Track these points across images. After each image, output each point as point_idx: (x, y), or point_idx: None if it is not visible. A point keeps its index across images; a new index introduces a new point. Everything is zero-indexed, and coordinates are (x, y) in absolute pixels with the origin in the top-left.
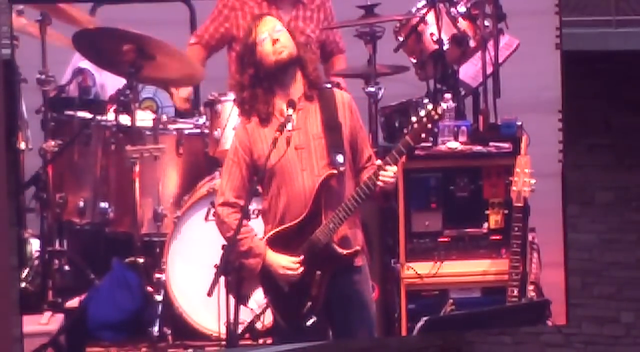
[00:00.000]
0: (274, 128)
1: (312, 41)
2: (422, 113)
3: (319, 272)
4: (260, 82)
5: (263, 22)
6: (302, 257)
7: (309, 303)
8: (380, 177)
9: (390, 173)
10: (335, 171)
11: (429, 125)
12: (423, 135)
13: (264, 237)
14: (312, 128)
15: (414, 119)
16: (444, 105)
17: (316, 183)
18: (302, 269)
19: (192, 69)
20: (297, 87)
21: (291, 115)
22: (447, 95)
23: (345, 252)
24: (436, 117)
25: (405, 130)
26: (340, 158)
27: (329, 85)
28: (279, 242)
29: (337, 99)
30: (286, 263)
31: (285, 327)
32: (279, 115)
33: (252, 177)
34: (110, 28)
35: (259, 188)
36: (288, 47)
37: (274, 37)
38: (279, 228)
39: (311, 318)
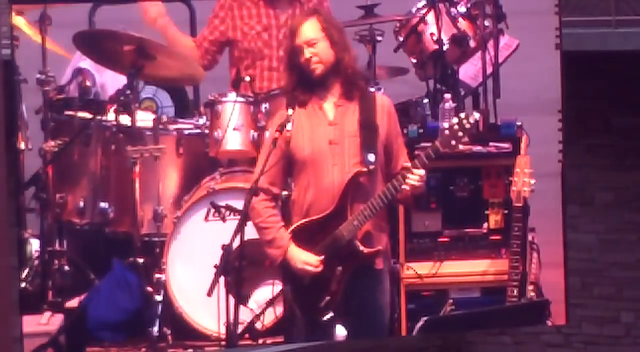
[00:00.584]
0: (310, 122)
1: None
2: (455, 120)
3: (339, 268)
4: (300, 82)
5: (300, 31)
6: (323, 256)
7: (327, 298)
8: (407, 180)
9: (417, 177)
10: (364, 169)
11: (460, 133)
12: (453, 142)
13: (289, 228)
14: (348, 126)
15: (445, 125)
16: (476, 115)
17: (345, 179)
18: (321, 267)
19: (193, 68)
20: (336, 88)
21: (291, 115)
22: (447, 95)
23: (366, 250)
24: (468, 125)
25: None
26: (371, 157)
27: (372, 89)
28: (303, 234)
29: (377, 102)
30: (307, 258)
31: (301, 319)
32: (318, 109)
33: (286, 166)
34: (110, 30)
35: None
36: (323, 61)
37: (310, 51)
38: (305, 220)
39: (328, 313)
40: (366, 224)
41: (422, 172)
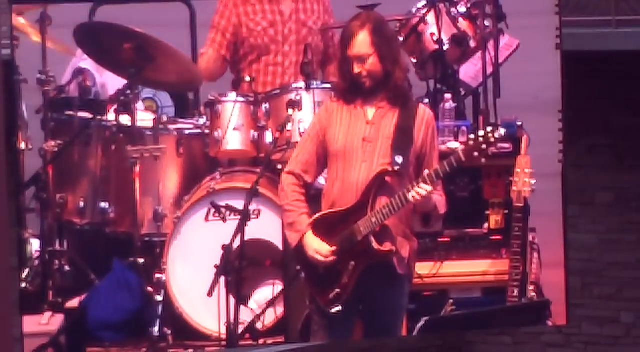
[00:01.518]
0: (350, 117)
1: (315, 33)
2: (481, 133)
3: (352, 263)
4: (350, 88)
5: (352, 44)
6: (334, 248)
7: (337, 290)
8: (411, 193)
9: (422, 191)
10: (389, 169)
11: (484, 146)
12: (476, 154)
13: (311, 218)
14: (384, 128)
15: (472, 136)
16: (502, 131)
17: (371, 176)
18: (332, 258)
19: (191, 73)
20: (383, 94)
21: (291, 115)
22: (447, 96)
23: (378, 247)
24: (492, 139)
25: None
26: (399, 159)
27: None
28: (323, 226)
29: (418, 112)
30: (319, 247)
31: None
32: (360, 108)
33: (322, 157)
34: (111, 24)
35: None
36: (372, 76)
37: (359, 67)
38: (327, 212)
39: (336, 306)
40: (389, 225)
41: (428, 188)
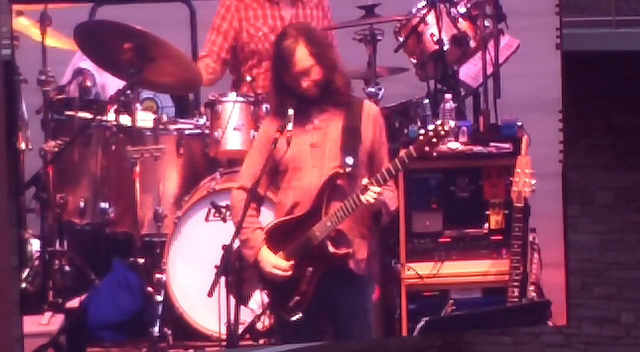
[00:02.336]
0: (296, 126)
1: None
2: (430, 127)
3: (310, 269)
4: (291, 100)
5: (294, 62)
6: (292, 261)
7: (297, 298)
8: (364, 196)
9: (373, 194)
10: (341, 171)
11: (434, 140)
12: (427, 148)
13: (264, 228)
14: (331, 131)
15: (421, 131)
16: (451, 123)
17: (322, 181)
18: (290, 272)
19: (191, 75)
20: (325, 99)
21: (291, 115)
22: (448, 96)
23: (334, 251)
24: (443, 132)
25: (405, 131)
26: (349, 160)
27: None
28: (278, 234)
29: (363, 109)
30: (276, 262)
31: (280, 322)
32: (304, 114)
33: (271, 168)
34: (112, 22)
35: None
36: (317, 85)
37: (305, 81)
38: (279, 220)
39: (297, 314)
40: (343, 228)
41: (377, 189)
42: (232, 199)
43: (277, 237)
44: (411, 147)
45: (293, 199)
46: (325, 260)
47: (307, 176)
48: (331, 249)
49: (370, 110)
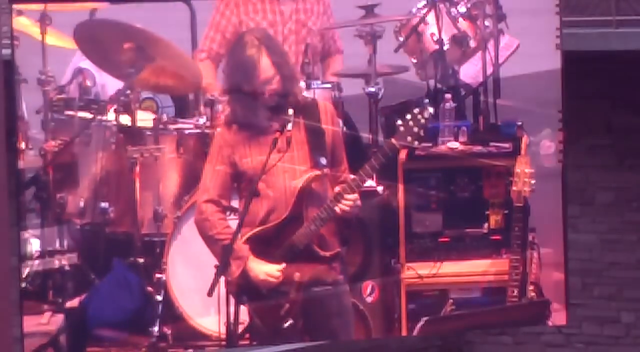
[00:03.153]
0: (257, 132)
1: (314, 34)
2: (408, 116)
3: (297, 274)
4: (245, 102)
5: (259, 71)
6: (283, 265)
7: (287, 305)
8: (339, 206)
9: (349, 202)
10: (318, 172)
11: (416, 129)
12: (409, 138)
13: (241, 238)
14: (296, 135)
15: (399, 122)
16: (430, 109)
17: (297, 185)
18: (282, 277)
19: (191, 77)
20: (284, 105)
21: (291, 115)
22: (447, 96)
23: (323, 253)
24: (422, 120)
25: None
26: (323, 160)
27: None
28: (258, 243)
29: (320, 108)
30: (268, 269)
31: (261, 329)
32: (265, 121)
33: (233, 178)
34: (112, 21)
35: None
36: (278, 94)
37: (268, 90)
38: (258, 229)
39: (288, 320)
40: (322, 231)
41: (354, 196)
42: (203, 212)
43: (257, 247)
44: (392, 139)
45: (267, 206)
46: (312, 264)
47: (279, 182)
48: (320, 252)
49: (327, 109)
